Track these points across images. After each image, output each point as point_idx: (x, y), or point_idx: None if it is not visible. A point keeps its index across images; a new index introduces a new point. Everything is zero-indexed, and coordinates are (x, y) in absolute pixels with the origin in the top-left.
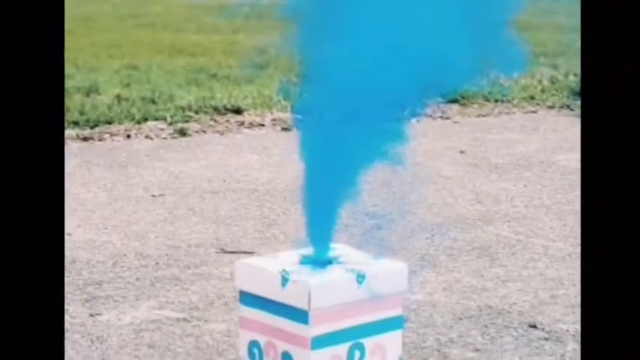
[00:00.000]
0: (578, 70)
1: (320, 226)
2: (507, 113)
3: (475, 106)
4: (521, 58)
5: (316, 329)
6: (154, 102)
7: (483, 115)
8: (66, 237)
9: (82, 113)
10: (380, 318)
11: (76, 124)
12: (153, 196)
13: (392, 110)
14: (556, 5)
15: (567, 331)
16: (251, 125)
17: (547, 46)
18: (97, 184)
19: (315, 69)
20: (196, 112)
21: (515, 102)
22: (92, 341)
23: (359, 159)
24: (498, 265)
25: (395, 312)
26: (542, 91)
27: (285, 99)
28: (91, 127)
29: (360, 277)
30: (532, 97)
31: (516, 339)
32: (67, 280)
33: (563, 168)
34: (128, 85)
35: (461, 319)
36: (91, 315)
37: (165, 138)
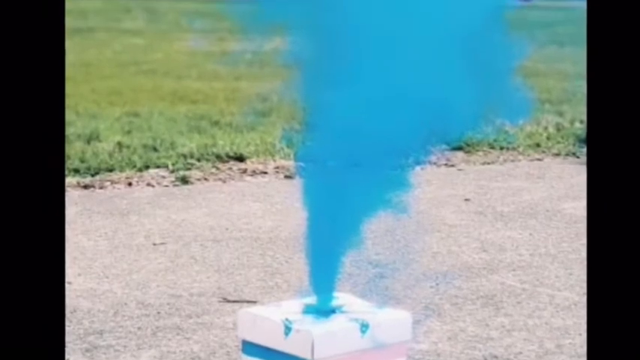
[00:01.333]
0: (584, 117)
1: (323, 275)
2: (512, 161)
3: (480, 153)
4: (527, 105)
5: None
6: (155, 149)
7: (488, 163)
8: (66, 286)
9: (82, 161)
10: None
11: (76, 171)
12: (154, 244)
13: (396, 158)
14: (561, 52)
15: None
16: (253, 173)
17: (552, 93)
18: (97, 232)
19: (318, 116)
20: (198, 160)
21: (520, 149)
22: None
23: (362, 207)
24: (503, 315)
25: None
26: (548, 138)
27: (287, 146)
28: (92, 175)
29: (364, 327)
30: (537, 145)
31: None
32: (67, 329)
33: (569, 216)
34: (129, 132)
35: None
36: None
37: (166, 186)
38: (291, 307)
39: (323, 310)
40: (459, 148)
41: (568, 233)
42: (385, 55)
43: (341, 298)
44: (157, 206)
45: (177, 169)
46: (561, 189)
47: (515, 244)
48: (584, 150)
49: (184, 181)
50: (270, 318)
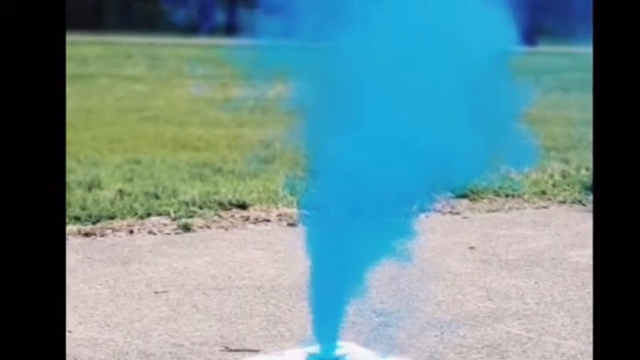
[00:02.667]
0: (590, 165)
1: (327, 324)
2: (518, 208)
3: (485, 201)
4: (532, 152)
5: None
6: (157, 197)
7: (493, 211)
8: (67, 334)
9: (83, 208)
10: None
11: (77, 219)
12: (156, 292)
13: (400, 205)
14: (567, 98)
15: None
16: (256, 221)
17: (558, 140)
18: (99, 280)
19: (321, 163)
20: (200, 208)
21: (525, 197)
22: None
23: (366, 255)
24: None
25: None
26: (554, 185)
27: (291, 194)
28: (93, 223)
29: None
30: (543, 192)
31: None
32: None
33: (575, 264)
34: (131, 179)
35: None
36: None
37: (168, 233)
38: (294, 356)
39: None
40: (464, 196)
41: (574, 281)
42: (389, 102)
43: (344, 347)
44: (159, 254)
45: (179, 217)
46: (567, 237)
47: (521, 292)
48: (590, 197)
49: (186, 228)
50: None
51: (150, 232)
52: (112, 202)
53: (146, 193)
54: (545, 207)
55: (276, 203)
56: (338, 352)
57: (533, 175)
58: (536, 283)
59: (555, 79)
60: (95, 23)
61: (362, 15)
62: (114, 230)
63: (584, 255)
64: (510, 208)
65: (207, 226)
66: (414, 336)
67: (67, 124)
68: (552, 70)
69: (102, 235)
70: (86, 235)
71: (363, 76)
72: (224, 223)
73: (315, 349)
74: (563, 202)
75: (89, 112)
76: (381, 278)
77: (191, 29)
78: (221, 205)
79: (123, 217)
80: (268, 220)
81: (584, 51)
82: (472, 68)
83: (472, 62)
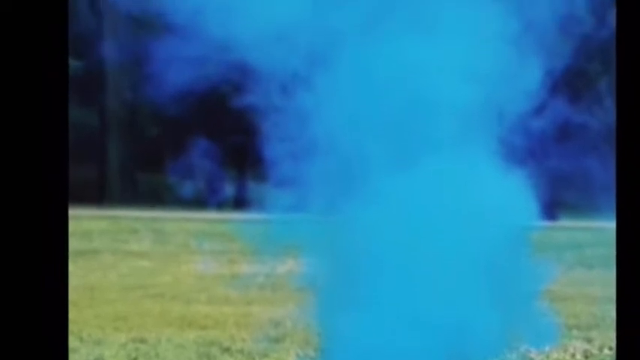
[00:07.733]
0: (614, 344)
1: None
2: None
3: None
4: (553, 330)
5: None
6: None
7: None
8: None
9: None
10: None
11: None
12: None
13: None
14: (590, 275)
15: None
16: None
17: (580, 318)
18: None
19: (333, 342)
20: None
21: None
22: None
23: None
24: None
25: None
26: None
27: None
28: None
29: None
30: None
31: None
32: None
33: None
34: (136, 359)
35: None
36: None
37: None
38: None
39: None
40: None
41: None
42: (403, 278)
43: None
44: None
45: None
46: None
47: None
48: None
49: None
50: None
51: None
52: None
53: None
54: None
55: None
56: None
57: (555, 355)
58: None
59: (577, 254)
60: (99, 197)
61: (375, 188)
62: None
63: None
64: None
65: None
66: None
67: (69, 302)
68: (574, 245)
69: None
70: None
71: (376, 252)
72: None
73: None
74: None
75: (92, 290)
76: None
77: (198, 203)
78: None
79: None
80: None
81: (607, 226)
82: (490, 244)
83: (491, 237)
